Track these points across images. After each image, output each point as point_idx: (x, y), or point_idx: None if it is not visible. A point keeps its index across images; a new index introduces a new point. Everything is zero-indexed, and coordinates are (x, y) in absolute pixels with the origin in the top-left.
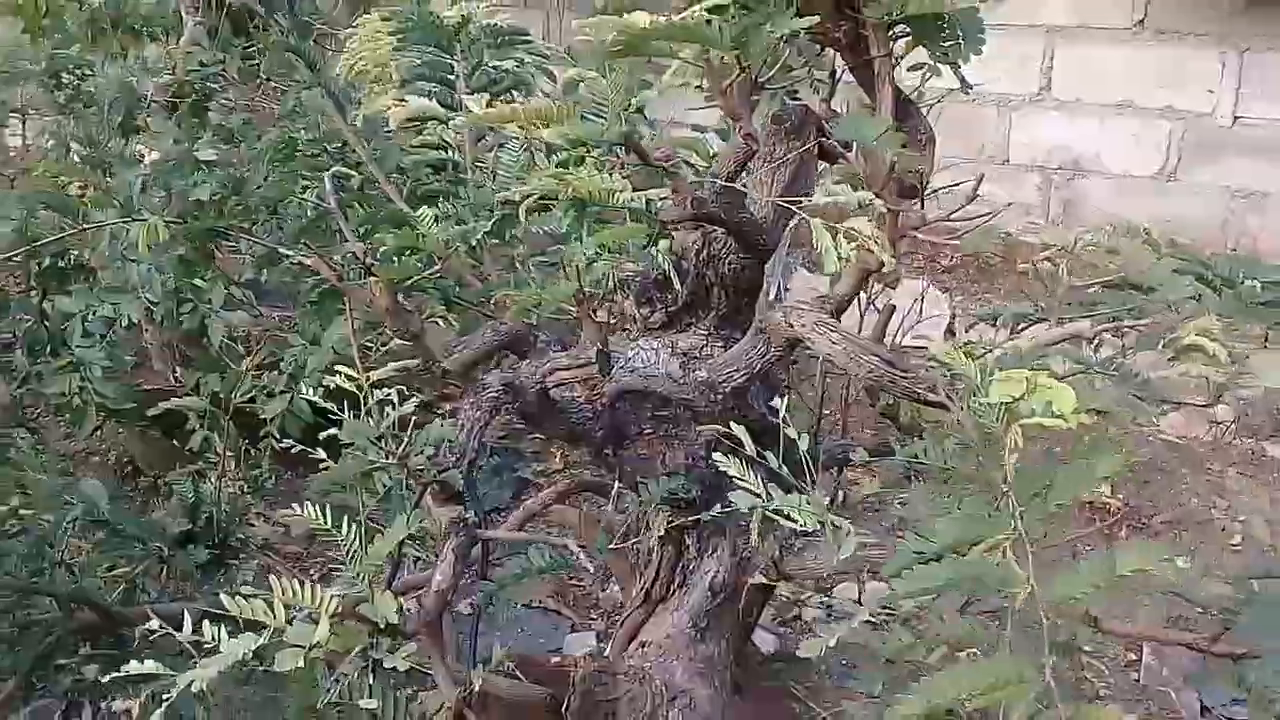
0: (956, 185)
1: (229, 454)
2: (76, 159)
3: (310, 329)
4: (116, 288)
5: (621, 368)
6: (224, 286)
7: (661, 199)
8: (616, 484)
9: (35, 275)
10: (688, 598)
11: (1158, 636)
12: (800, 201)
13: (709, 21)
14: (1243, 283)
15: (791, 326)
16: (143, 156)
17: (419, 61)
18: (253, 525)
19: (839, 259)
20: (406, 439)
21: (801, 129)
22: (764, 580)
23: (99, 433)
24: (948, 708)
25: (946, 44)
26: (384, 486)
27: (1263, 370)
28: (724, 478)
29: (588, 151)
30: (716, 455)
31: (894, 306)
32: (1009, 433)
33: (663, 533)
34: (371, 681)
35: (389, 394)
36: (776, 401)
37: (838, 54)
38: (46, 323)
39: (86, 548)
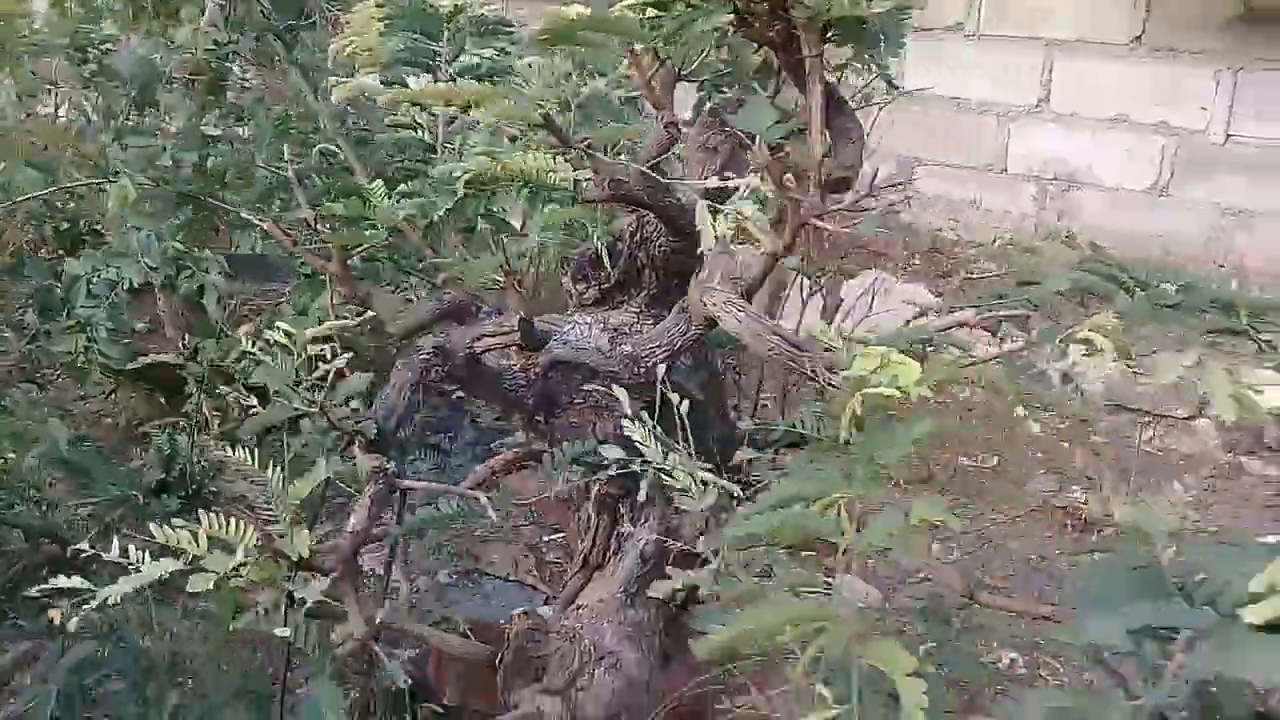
0: (898, 183)
1: (215, 413)
2: (93, 129)
3: (300, 300)
4: (119, 252)
5: (556, 340)
6: (222, 257)
7: (586, 180)
8: (548, 451)
9: (53, 237)
10: (620, 565)
11: (999, 604)
12: (712, 186)
13: (646, 16)
14: (1157, 287)
15: (705, 305)
16: (160, 131)
17: (403, 47)
18: (230, 481)
19: (715, 236)
20: (326, 388)
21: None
22: (688, 549)
23: (114, 396)
24: (756, 638)
25: (869, 46)
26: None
27: (1162, 369)
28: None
29: (523, 134)
30: (625, 423)
31: (841, 300)
32: (851, 401)
33: (595, 503)
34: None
35: (323, 349)
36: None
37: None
38: (58, 284)
39: (58, 489)
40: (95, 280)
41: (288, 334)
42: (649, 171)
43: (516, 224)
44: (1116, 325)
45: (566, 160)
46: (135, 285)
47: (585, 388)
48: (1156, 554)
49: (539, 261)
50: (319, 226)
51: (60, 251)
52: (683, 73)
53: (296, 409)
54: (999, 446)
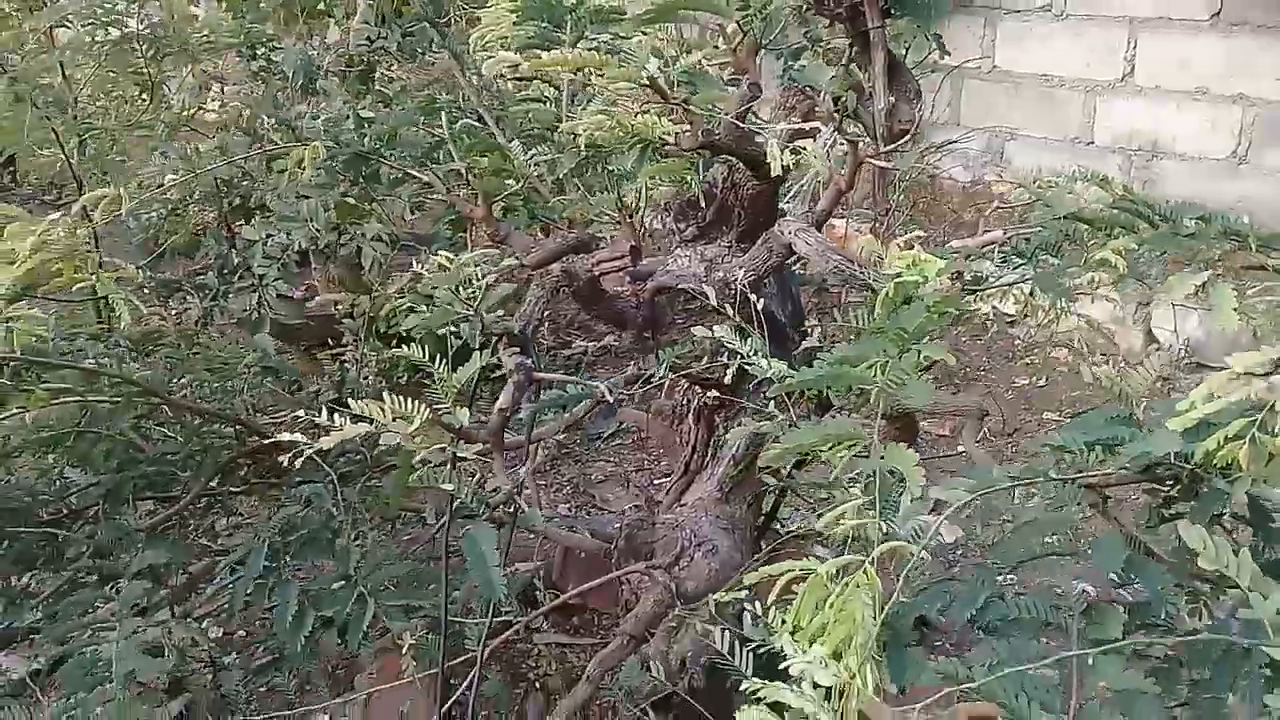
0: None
1: (371, 353)
2: (262, 117)
3: (449, 237)
4: (289, 217)
5: (661, 270)
6: (377, 222)
7: (683, 132)
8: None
9: (227, 211)
10: (717, 469)
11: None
12: (780, 130)
13: None
14: (1179, 221)
15: (783, 234)
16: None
17: (533, 34)
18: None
19: (782, 166)
20: (480, 296)
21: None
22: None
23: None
24: (811, 448)
25: (921, 16)
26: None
27: (1176, 287)
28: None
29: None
30: (716, 329)
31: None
32: (887, 287)
33: (694, 414)
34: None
35: (477, 268)
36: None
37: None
38: (235, 248)
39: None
40: (268, 243)
41: (448, 258)
42: (736, 122)
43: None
44: (1133, 249)
45: (669, 119)
46: (302, 248)
47: (685, 308)
48: (1134, 410)
49: (647, 204)
50: (469, 178)
51: (234, 226)
52: (763, 44)
53: (457, 312)
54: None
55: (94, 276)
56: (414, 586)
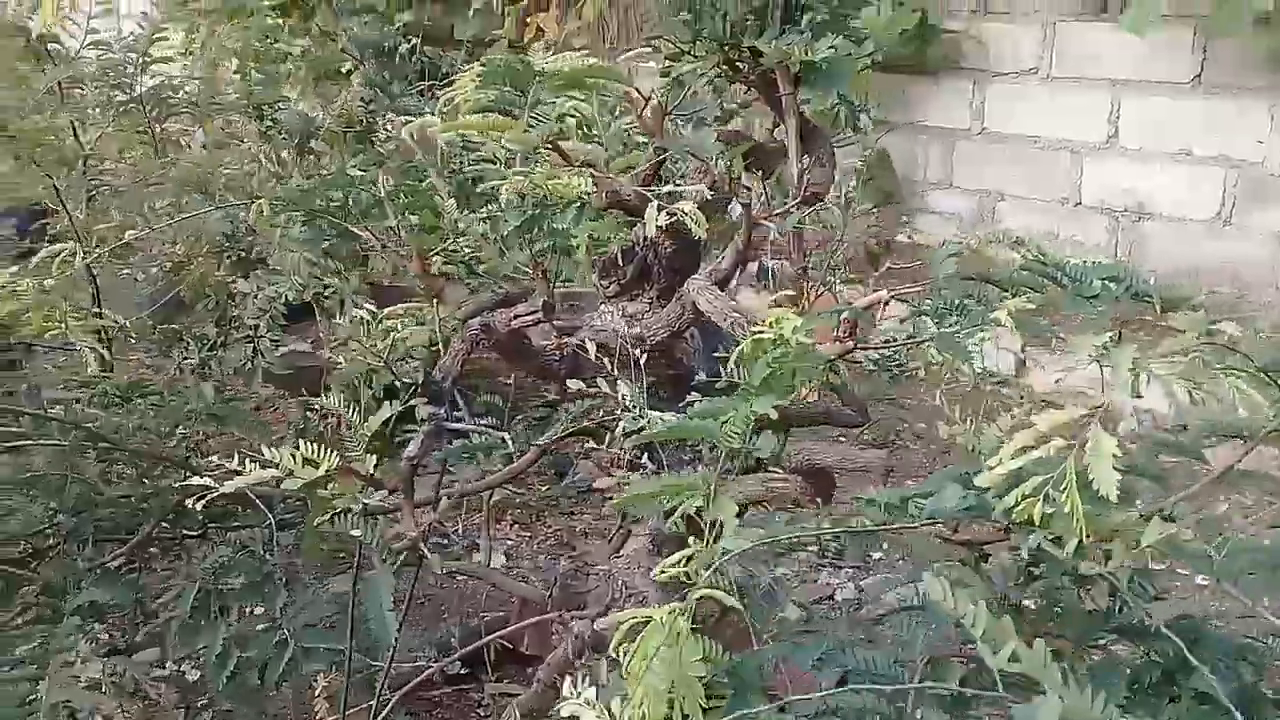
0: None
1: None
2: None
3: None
4: (277, 271)
5: (584, 324)
6: (358, 280)
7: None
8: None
9: (230, 266)
10: (649, 521)
11: None
12: (662, 192)
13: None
14: (1089, 283)
15: (691, 293)
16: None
17: (493, 97)
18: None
19: (656, 227)
20: (388, 347)
21: (731, 146)
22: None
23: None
24: (646, 499)
25: (826, 84)
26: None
27: (1079, 346)
28: None
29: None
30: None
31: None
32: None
33: (628, 467)
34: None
35: (395, 323)
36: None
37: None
38: (233, 301)
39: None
40: (258, 296)
41: (372, 313)
42: (638, 189)
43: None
44: (1030, 308)
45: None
46: (290, 300)
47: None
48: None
49: (587, 261)
50: (401, 234)
51: (236, 277)
52: (668, 111)
53: (369, 364)
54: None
55: (63, 325)
56: (337, 630)
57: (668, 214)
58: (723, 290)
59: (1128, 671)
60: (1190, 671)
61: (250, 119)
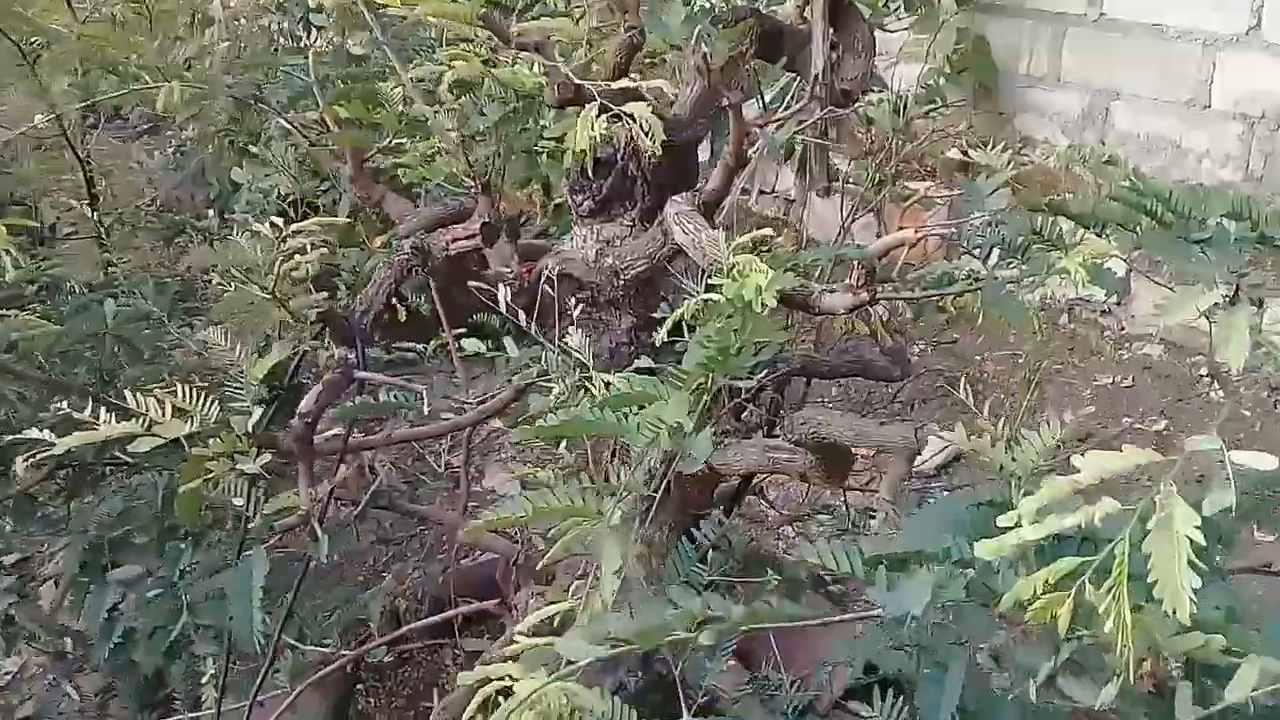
0: None
1: None
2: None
3: None
4: (269, 161)
5: (554, 250)
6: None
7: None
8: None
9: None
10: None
11: None
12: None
13: None
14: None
15: (667, 218)
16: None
17: None
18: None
19: (589, 136)
20: (276, 275)
21: (737, 25)
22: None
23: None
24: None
25: None
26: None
27: (1176, 307)
28: None
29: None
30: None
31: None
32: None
33: None
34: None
35: (303, 243)
36: None
37: None
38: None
39: None
40: (252, 190)
41: (275, 226)
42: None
43: None
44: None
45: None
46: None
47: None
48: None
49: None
50: (330, 127)
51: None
52: None
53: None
54: None
55: None
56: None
57: (612, 117)
58: (711, 215)
59: None
60: None
61: None
